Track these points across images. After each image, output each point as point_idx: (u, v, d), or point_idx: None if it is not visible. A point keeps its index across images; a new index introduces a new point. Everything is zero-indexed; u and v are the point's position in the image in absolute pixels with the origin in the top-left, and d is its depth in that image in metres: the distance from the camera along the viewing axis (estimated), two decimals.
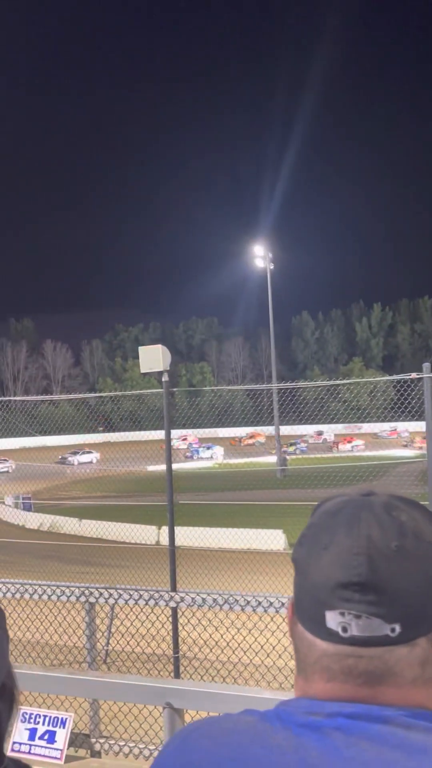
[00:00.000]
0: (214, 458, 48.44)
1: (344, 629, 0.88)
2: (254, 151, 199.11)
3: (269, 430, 46.36)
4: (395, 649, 0.88)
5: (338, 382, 16.60)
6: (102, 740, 7.00)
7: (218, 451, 49.94)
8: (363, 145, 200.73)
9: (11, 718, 1.09)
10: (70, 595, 7.65)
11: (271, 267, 60.12)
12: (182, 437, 48.06)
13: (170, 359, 9.61)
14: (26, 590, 7.92)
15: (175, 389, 10.66)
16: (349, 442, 53.19)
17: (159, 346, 9.61)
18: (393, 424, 46.04)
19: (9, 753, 1.09)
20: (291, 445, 47.17)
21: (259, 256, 61.96)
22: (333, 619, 0.89)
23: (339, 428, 53.97)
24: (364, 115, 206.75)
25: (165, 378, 9.29)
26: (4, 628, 1.11)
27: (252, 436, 54.42)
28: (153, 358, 9.47)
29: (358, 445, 52.27)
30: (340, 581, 0.88)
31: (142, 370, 9.81)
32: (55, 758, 6.28)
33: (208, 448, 49.41)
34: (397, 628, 0.87)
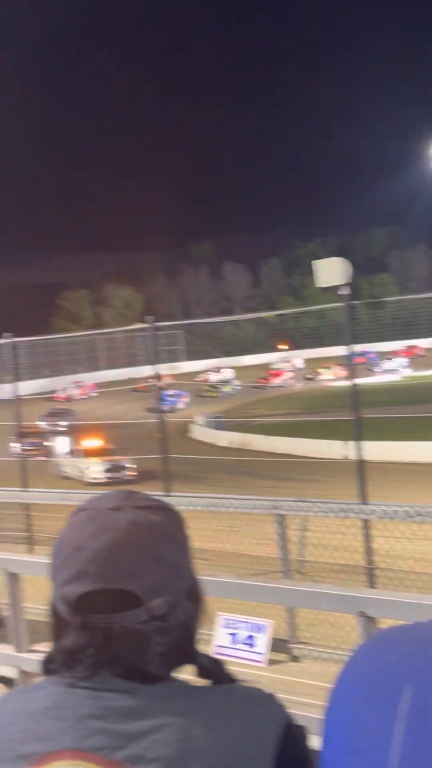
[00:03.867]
0: (398, 371, 46.50)
1: None
2: None
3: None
4: None
5: None
6: (300, 646, 7.25)
7: (402, 363, 47.74)
8: None
9: (199, 618, 1.11)
10: (261, 508, 7.86)
11: None
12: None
13: (350, 271, 9.38)
14: (221, 503, 8.23)
15: (356, 302, 10.42)
16: None
17: (336, 259, 9.41)
18: None
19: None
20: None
21: None
22: None
23: None
24: None
25: (345, 291, 9.10)
26: (185, 532, 1.12)
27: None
28: (331, 271, 9.30)
29: None
30: None
31: (320, 284, 9.67)
32: (258, 661, 6.61)
33: (390, 360, 47.39)
34: None
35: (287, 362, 46.62)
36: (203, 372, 45.61)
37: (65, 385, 41.38)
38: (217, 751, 0.97)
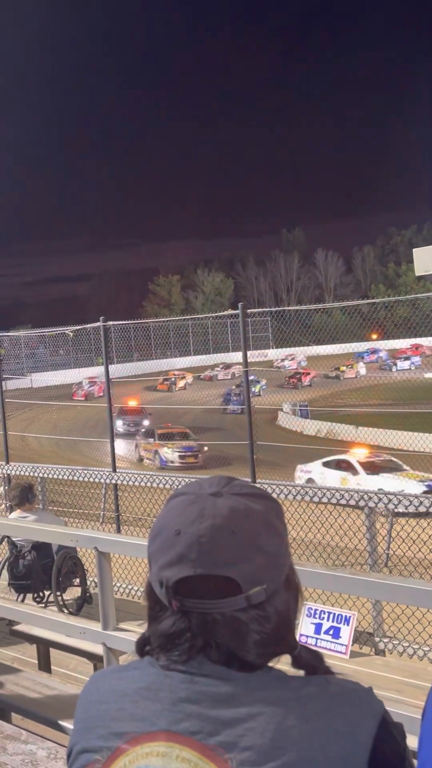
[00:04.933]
0: (412, 370, 42.85)
1: None
2: None
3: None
4: None
5: None
6: (386, 640, 7.15)
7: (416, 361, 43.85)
8: None
9: (296, 608, 1.10)
10: (350, 499, 7.77)
11: None
12: None
13: None
14: (306, 493, 8.18)
15: None
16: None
17: None
18: None
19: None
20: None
21: None
22: None
23: None
24: None
25: None
26: (284, 521, 1.11)
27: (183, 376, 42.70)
28: (429, 259, 9.07)
29: None
30: None
31: (417, 273, 9.44)
32: (341, 653, 6.54)
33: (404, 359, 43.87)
34: None
35: (292, 359, 44.19)
36: (213, 367, 43.21)
37: (157, 369, 41.10)
38: (312, 743, 0.96)
